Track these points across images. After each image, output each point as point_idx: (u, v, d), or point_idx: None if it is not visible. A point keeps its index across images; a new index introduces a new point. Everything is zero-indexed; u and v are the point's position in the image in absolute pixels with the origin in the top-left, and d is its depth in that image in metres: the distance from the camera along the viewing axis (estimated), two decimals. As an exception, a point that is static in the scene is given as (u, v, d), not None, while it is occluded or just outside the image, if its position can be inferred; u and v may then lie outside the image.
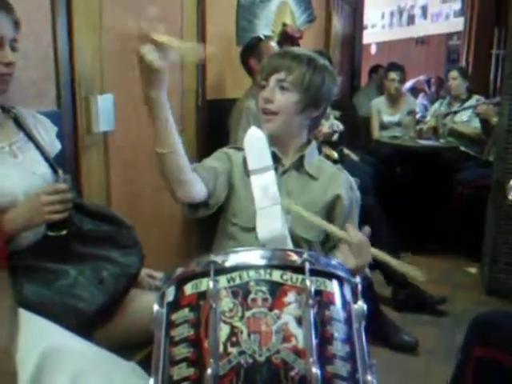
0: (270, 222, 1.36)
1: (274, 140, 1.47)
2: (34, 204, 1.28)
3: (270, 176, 1.41)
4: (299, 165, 1.46)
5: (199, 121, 2.77)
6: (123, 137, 2.19)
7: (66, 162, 1.77)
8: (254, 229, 1.38)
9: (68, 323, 1.24)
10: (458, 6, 8.11)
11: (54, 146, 1.52)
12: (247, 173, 1.44)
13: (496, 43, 5.81)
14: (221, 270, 0.90)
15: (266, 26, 3.50)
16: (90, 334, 1.32)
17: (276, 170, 1.44)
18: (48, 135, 1.51)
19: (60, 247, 1.38)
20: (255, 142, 1.48)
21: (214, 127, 2.83)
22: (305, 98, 1.42)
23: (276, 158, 1.46)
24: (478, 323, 1.50)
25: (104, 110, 1.98)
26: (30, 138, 1.43)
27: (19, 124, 1.42)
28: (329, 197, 1.43)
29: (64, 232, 1.34)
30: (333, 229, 1.29)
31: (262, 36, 2.82)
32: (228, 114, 2.73)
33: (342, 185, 1.45)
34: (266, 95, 1.42)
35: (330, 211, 1.43)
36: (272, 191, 1.39)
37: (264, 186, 1.40)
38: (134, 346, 1.42)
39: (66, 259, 1.39)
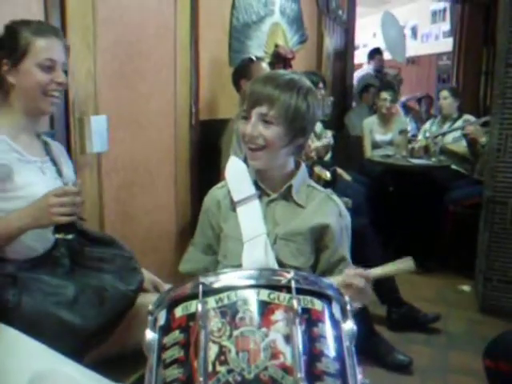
0: (255, 253, 1.33)
1: (259, 172, 1.43)
2: (43, 204, 1.30)
3: (255, 205, 1.39)
4: (287, 194, 1.41)
5: (192, 140, 2.79)
6: (116, 158, 2.21)
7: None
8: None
9: (62, 340, 1.24)
10: (447, 26, 8.22)
11: (71, 178, 1.56)
12: (233, 205, 1.41)
13: (485, 62, 5.89)
14: (209, 291, 0.92)
15: (258, 47, 3.54)
16: (82, 354, 1.32)
17: (260, 197, 1.41)
18: (68, 168, 1.59)
19: (62, 263, 1.43)
20: (236, 172, 1.47)
21: (206, 147, 2.85)
22: (291, 129, 1.34)
23: (259, 186, 1.42)
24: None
25: (97, 130, 2.00)
26: (55, 164, 1.51)
27: (48, 149, 1.53)
28: (316, 226, 1.37)
29: (70, 236, 1.35)
30: (332, 279, 1.24)
31: (253, 57, 2.85)
32: (220, 134, 2.75)
33: (331, 213, 1.40)
34: (248, 132, 1.33)
35: (318, 240, 1.39)
36: (257, 221, 1.37)
37: (249, 216, 1.38)
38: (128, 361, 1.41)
39: (68, 276, 1.42)
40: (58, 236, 1.35)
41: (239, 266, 1.34)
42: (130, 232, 2.35)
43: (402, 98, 6.26)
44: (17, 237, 1.34)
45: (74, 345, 1.29)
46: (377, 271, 1.26)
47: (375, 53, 6.06)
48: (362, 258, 2.45)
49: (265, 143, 1.33)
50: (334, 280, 1.22)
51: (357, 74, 6.27)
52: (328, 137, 3.11)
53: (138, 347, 1.41)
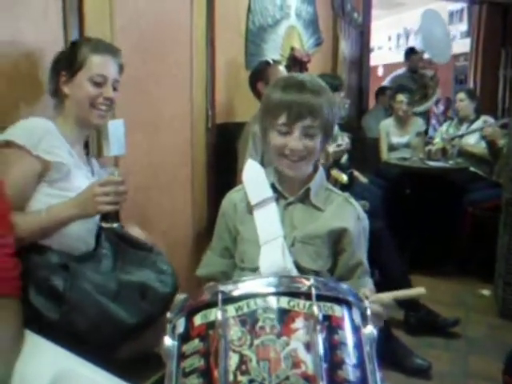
0: (272, 255, 1.32)
1: (279, 175, 1.42)
2: (88, 194, 1.38)
3: (272, 208, 1.38)
4: (305, 197, 1.41)
5: (209, 144, 2.80)
6: (134, 161, 2.22)
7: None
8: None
9: (102, 329, 1.34)
10: (464, 27, 8.16)
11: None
12: (250, 208, 1.40)
13: (503, 64, 5.83)
14: (228, 300, 0.91)
15: (274, 51, 3.54)
16: (115, 348, 1.38)
17: (277, 200, 1.40)
18: None
19: (106, 262, 1.52)
20: (254, 175, 1.47)
21: (223, 150, 2.86)
22: (326, 136, 1.37)
23: (276, 189, 1.42)
24: None
25: (115, 134, 2.01)
26: (93, 175, 1.61)
27: (89, 161, 1.66)
28: (335, 229, 1.36)
29: (116, 224, 1.44)
30: None
31: (270, 60, 2.85)
32: (237, 137, 2.75)
33: (350, 217, 1.39)
34: (294, 147, 1.31)
35: (336, 243, 1.38)
36: (274, 224, 1.36)
37: (267, 219, 1.37)
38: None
39: (111, 273, 1.49)
40: (104, 225, 1.44)
41: (256, 269, 1.33)
42: (148, 235, 2.35)
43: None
44: (64, 226, 1.41)
45: (112, 336, 1.36)
46: (389, 295, 1.24)
47: (411, 53, 5.71)
48: (378, 261, 2.47)
49: (306, 153, 1.34)
50: None
51: (392, 75, 5.98)
52: (345, 140, 3.09)
53: (150, 349, 1.44)
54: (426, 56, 5.76)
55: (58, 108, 1.57)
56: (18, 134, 1.39)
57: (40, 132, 1.41)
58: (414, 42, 6.41)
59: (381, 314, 1.15)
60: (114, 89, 1.57)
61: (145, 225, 2.34)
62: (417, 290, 1.25)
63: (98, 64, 1.51)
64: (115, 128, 2.02)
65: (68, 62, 1.51)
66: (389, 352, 2.45)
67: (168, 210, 2.51)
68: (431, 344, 2.74)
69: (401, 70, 5.87)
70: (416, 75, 5.63)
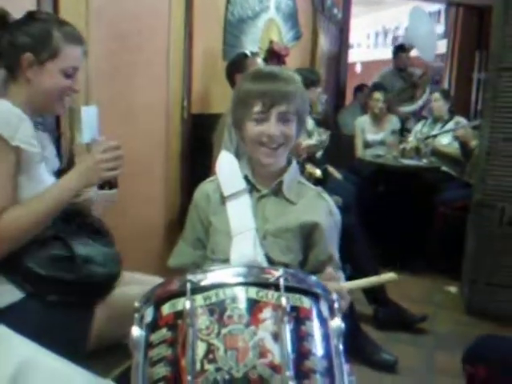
0: (243, 247, 1.32)
1: (253, 167, 1.42)
2: (90, 163, 1.38)
3: (245, 200, 1.38)
4: (278, 190, 1.40)
5: (184, 134, 2.78)
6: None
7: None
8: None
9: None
10: (441, 28, 8.25)
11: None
12: (223, 199, 1.40)
13: (477, 66, 5.92)
14: (197, 289, 0.91)
15: (253, 43, 3.53)
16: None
17: (250, 193, 1.40)
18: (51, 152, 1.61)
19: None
20: (227, 166, 1.47)
21: (198, 141, 2.84)
22: (300, 123, 1.38)
23: (250, 182, 1.41)
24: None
25: (88, 121, 1.97)
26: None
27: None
28: (306, 223, 1.36)
29: (114, 190, 1.47)
30: None
31: (248, 52, 2.84)
32: (212, 128, 2.73)
33: (321, 211, 1.40)
34: (272, 132, 1.31)
35: (308, 237, 1.38)
36: (246, 216, 1.36)
37: (239, 210, 1.37)
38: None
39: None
40: (102, 191, 1.46)
41: (227, 260, 1.32)
42: (118, 223, 2.32)
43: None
44: (71, 200, 1.41)
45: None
46: (359, 282, 1.25)
47: (399, 50, 5.54)
48: (350, 256, 2.49)
49: (284, 140, 1.34)
50: None
51: (379, 73, 5.78)
52: (323, 137, 3.10)
53: (120, 341, 1.43)
54: (413, 54, 5.65)
55: (5, 86, 1.43)
56: None
57: (15, 119, 1.32)
58: (401, 38, 6.24)
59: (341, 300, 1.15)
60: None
61: (117, 212, 2.31)
62: (389, 276, 1.26)
63: (72, 56, 1.43)
64: (88, 114, 1.97)
65: (37, 46, 1.39)
66: (357, 346, 2.48)
67: (141, 198, 2.49)
68: (399, 339, 2.78)
69: (387, 68, 5.75)
70: (404, 73, 5.53)
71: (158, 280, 1.59)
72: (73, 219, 1.52)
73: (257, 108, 1.32)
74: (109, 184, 1.46)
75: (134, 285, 1.58)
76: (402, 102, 5.28)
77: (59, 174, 1.51)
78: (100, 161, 1.38)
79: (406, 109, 5.24)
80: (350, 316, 2.41)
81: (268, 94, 1.31)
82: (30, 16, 1.43)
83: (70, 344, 1.31)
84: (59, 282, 1.37)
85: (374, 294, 2.82)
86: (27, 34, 1.39)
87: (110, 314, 1.46)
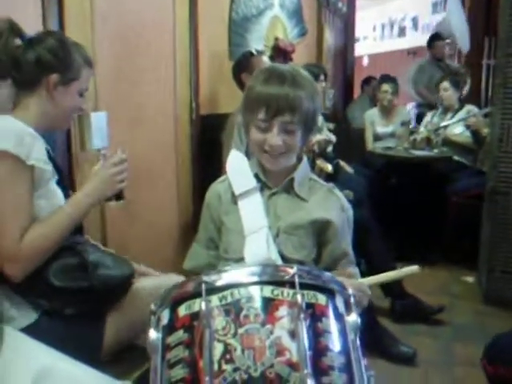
0: (257, 246, 1.32)
1: (262, 166, 1.41)
2: (105, 176, 1.45)
3: (256, 198, 1.38)
4: (289, 187, 1.40)
5: (193, 135, 2.79)
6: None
7: (59, 179, 1.78)
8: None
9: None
10: (448, 16, 8.18)
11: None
12: (234, 199, 1.40)
13: (486, 53, 5.86)
14: (212, 290, 0.92)
15: (258, 41, 3.53)
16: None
17: (261, 191, 1.40)
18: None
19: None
20: (237, 165, 1.47)
21: (207, 141, 2.85)
22: (307, 130, 1.35)
23: (260, 180, 1.41)
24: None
25: (97, 127, 1.99)
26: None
27: None
28: (318, 220, 1.36)
29: (122, 201, 1.53)
30: None
31: (253, 51, 2.84)
32: (221, 128, 2.74)
33: (333, 208, 1.39)
34: (274, 143, 1.30)
35: (320, 234, 1.38)
36: (258, 214, 1.36)
37: (251, 209, 1.37)
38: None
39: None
40: (110, 203, 1.50)
41: (241, 259, 1.33)
42: (132, 229, 2.34)
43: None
44: (88, 214, 1.47)
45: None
46: (379, 278, 1.25)
47: (435, 39, 5.21)
48: (364, 250, 2.48)
49: (286, 150, 1.33)
50: None
51: (415, 65, 5.47)
52: (332, 137, 3.10)
53: (134, 343, 1.45)
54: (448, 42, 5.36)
55: (19, 101, 1.44)
56: (8, 142, 1.30)
57: (29, 138, 1.33)
58: (437, 26, 5.88)
59: (360, 299, 1.15)
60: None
61: (129, 218, 2.33)
62: (410, 269, 1.26)
63: (87, 78, 1.52)
64: (98, 120, 2.00)
65: (63, 68, 1.43)
66: (374, 340, 2.47)
67: (153, 203, 2.50)
68: (417, 331, 2.77)
69: (423, 59, 5.44)
70: (442, 63, 5.20)
71: (168, 277, 1.63)
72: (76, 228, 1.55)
73: (260, 115, 1.30)
74: (116, 196, 1.51)
75: (144, 281, 1.60)
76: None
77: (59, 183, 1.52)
78: (115, 173, 1.46)
79: None
80: (366, 309, 2.40)
81: (273, 101, 1.27)
82: (50, 35, 1.48)
83: (85, 352, 1.32)
84: (75, 292, 1.39)
85: (391, 287, 2.81)
86: (53, 54, 1.42)
87: (121, 317, 1.47)
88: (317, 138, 2.92)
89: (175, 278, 1.55)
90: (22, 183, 1.32)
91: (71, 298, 1.39)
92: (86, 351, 1.37)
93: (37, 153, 1.33)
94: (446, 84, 4.26)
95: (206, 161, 2.83)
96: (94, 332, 1.43)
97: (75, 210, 1.40)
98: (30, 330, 1.34)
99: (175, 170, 2.67)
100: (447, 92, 4.23)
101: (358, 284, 1.20)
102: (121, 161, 1.49)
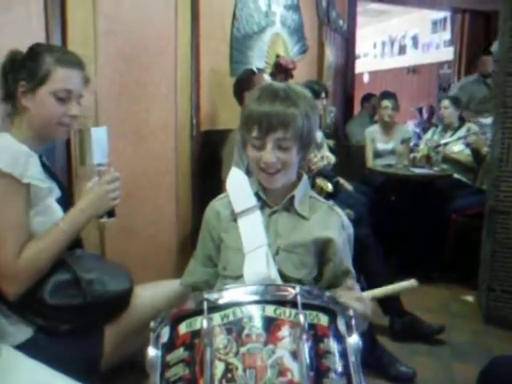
0: (256, 264, 1.31)
1: (262, 184, 1.41)
2: (101, 193, 1.45)
3: (257, 216, 1.37)
4: (289, 205, 1.40)
5: (193, 151, 2.79)
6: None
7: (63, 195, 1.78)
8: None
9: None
10: (447, 35, 8.26)
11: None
12: (234, 216, 1.40)
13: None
14: (214, 308, 0.91)
15: (259, 58, 3.55)
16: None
17: (262, 209, 1.39)
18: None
19: None
20: (238, 183, 1.46)
21: (207, 158, 2.85)
22: (302, 146, 1.33)
23: (260, 198, 1.40)
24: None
25: (98, 142, 1.98)
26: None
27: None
28: (319, 238, 1.35)
29: (113, 219, 1.51)
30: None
31: (254, 69, 2.85)
32: (221, 145, 2.74)
33: (334, 226, 1.39)
34: (267, 160, 1.29)
35: (321, 252, 1.37)
36: (258, 232, 1.35)
37: (251, 227, 1.36)
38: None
39: None
40: (102, 220, 1.49)
41: (240, 277, 1.32)
42: (130, 244, 2.34)
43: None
44: (83, 229, 1.47)
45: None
46: (377, 292, 1.25)
47: (483, 53, 4.93)
48: (363, 267, 2.47)
49: (281, 167, 1.32)
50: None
51: (461, 82, 5.26)
52: (328, 154, 3.09)
53: (133, 358, 1.43)
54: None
55: (11, 118, 1.44)
56: (2, 161, 1.29)
57: (23, 157, 1.33)
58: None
59: (364, 313, 1.15)
60: (79, 103, 1.48)
61: (128, 233, 2.32)
62: (409, 282, 1.25)
63: (62, 78, 1.40)
64: (99, 135, 1.99)
65: (29, 73, 1.38)
66: (373, 359, 2.45)
67: (152, 218, 2.49)
68: (416, 351, 2.74)
69: (470, 76, 5.17)
70: (489, 79, 4.93)
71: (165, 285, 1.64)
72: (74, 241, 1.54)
73: (254, 133, 1.29)
74: (108, 213, 1.50)
75: (143, 291, 1.60)
76: (484, 112, 4.56)
77: (62, 201, 1.52)
78: (110, 190, 1.46)
79: (486, 120, 4.27)
80: (366, 329, 2.38)
81: (265, 118, 1.27)
82: (30, 48, 1.44)
83: (84, 366, 1.31)
84: (70, 309, 1.38)
85: (390, 305, 2.79)
86: (23, 65, 1.41)
87: (121, 331, 1.47)
88: (317, 164, 2.92)
89: (172, 284, 1.57)
90: (18, 201, 1.32)
91: (66, 315, 1.38)
92: (85, 365, 1.36)
93: (31, 171, 1.33)
94: (446, 102, 4.29)
95: (206, 177, 2.82)
96: (92, 345, 1.43)
97: (70, 226, 1.40)
98: (28, 346, 1.34)
99: (175, 186, 2.67)
100: (447, 110, 4.25)
101: (359, 296, 1.19)
102: (115, 178, 1.49)
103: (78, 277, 1.40)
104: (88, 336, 1.42)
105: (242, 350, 0.86)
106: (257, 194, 1.41)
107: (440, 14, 8.36)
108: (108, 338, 1.45)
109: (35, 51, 1.42)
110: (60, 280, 1.39)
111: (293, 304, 0.92)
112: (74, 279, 1.40)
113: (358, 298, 1.15)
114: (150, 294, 1.59)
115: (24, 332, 1.36)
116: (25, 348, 1.32)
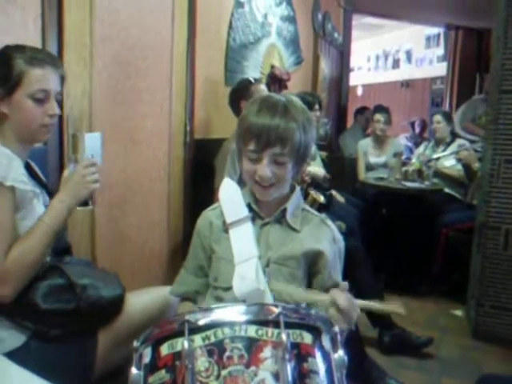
0: (245, 275, 1.30)
1: (255, 196, 1.40)
2: (77, 179, 1.42)
3: (248, 227, 1.36)
4: (281, 217, 1.39)
5: (186, 159, 2.79)
6: (110, 175, 2.19)
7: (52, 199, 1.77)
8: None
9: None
10: (441, 51, 8.35)
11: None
12: (226, 227, 1.39)
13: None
14: (196, 329, 0.90)
15: (254, 68, 3.56)
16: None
17: (253, 220, 1.39)
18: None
19: None
20: (230, 194, 1.45)
21: (200, 166, 2.85)
22: (298, 161, 1.33)
23: (252, 209, 1.40)
24: None
25: (91, 147, 1.97)
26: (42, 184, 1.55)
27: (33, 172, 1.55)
28: (310, 251, 1.35)
29: (91, 206, 1.50)
30: (319, 298, 1.22)
31: (251, 79, 2.86)
32: (215, 153, 2.74)
33: (325, 239, 1.38)
34: (263, 174, 1.29)
35: (311, 265, 1.37)
36: (249, 244, 1.34)
37: (242, 238, 1.35)
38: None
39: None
40: (80, 208, 1.47)
41: (230, 288, 1.31)
42: (121, 250, 2.32)
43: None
44: (67, 220, 1.44)
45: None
46: (365, 303, 1.24)
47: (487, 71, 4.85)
48: (352, 279, 2.45)
49: (276, 181, 1.31)
50: (320, 297, 1.21)
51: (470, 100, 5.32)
52: (320, 169, 3.10)
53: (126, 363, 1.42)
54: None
55: None
56: None
57: (5, 159, 1.31)
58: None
59: (348, 312, 1.12)
60: (57, 101, 1.45)
61: (119, 239, 2.31)
62: (395, 307, 1.23)
63: (38, 78, 1.36)
64: (92, 141, 1.99)
65: (1, 78, 1.35)
66: (362, 372, 2.44)
67: (144, 225, 2.48)
68: (404, 364, 2.74)
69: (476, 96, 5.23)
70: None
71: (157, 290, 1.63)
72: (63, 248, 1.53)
73: (251, 146, 1.29)
74: (88, 200, 1.49)
75: (135, 297, 1.59)
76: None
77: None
78: (86, 174, 1.42)
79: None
80: (355, 340, 2.38)
81: (263, 132, 1.26)
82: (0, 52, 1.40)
83: (76, 375, 1.30)
84: (61, 314, 1.36)
85: (379, 318, 2.79)
86: None
87: (113, 337, 1.46)
88: (316, 172, 2.92)
89: (163, 291, 1.55)
90: (3, 204, 1.30)
91: (57, 319, 1.37)
92: (79, 371, 1.35)
93: (14, 173, 1.32)
94: (438, 117, 4.33)
95: (198, 185, 2.82)
96: (85, 351, 1.41)
97: (53, 218, 1.37)
98: (21, 352, 1.32)
99: (167, 192, 2.66)
100: (440, 124, 4.29)
101: (349, 296, 1.17)
102: (90, 163, 1.46)
103: (72, 282, 1.38)
104: (82, 342, 1.41)
105: (224, 372, 0.85)
106: (249, 206, 1.40)
107: (434, 30, 8.45)
108: (100, 345, 1.43)
109: (5, 54, 1.37)
110: (53, 285, 1.37)
111: (275, 324, 0.90)
112: (67, 284, 1.38)
113: (348, 298, 1.15)
114: (141, 300, 1.58)
115: (17, 338, 1.34)
116: (18, 354, 1.31)
